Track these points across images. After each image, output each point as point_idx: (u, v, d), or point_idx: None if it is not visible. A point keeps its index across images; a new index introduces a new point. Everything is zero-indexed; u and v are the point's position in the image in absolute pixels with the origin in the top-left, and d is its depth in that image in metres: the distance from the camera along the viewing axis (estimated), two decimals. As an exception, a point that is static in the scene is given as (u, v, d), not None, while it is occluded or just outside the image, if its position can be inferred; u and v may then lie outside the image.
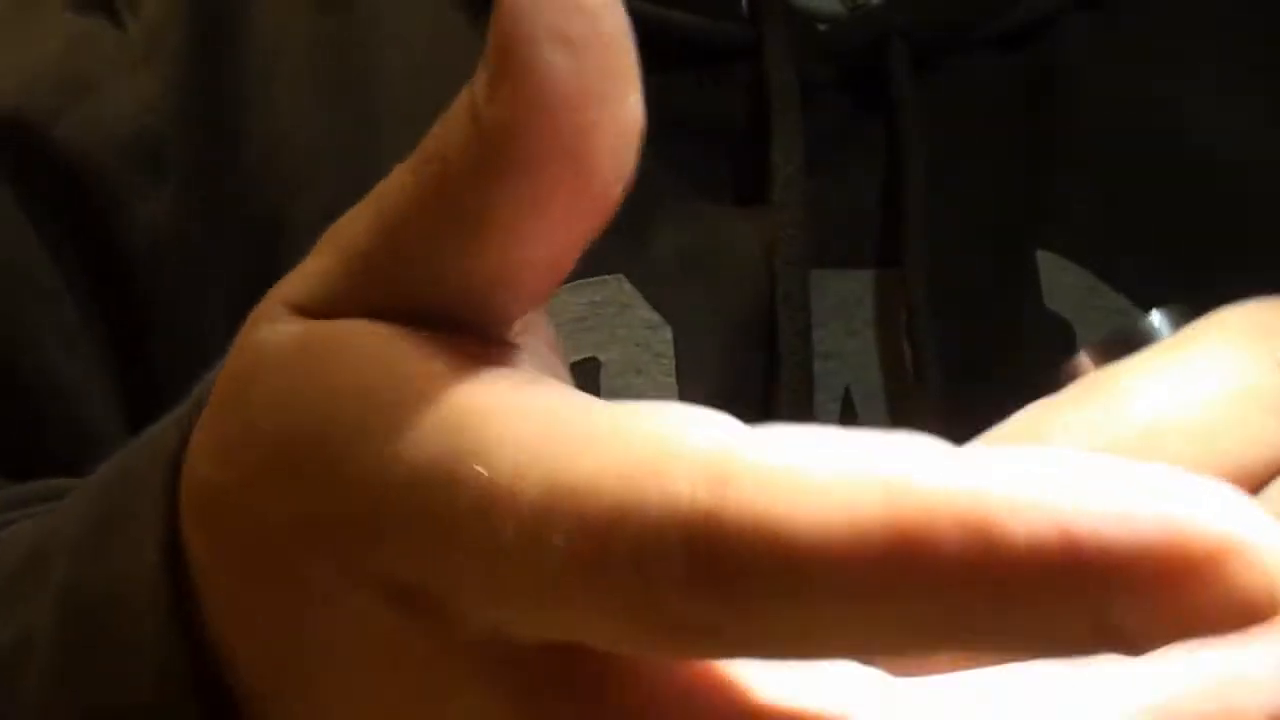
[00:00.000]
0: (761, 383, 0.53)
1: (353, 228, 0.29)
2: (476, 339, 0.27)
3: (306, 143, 0.56)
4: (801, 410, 0.53)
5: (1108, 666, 0.25)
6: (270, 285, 0.54)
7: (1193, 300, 0.56)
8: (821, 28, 0.56)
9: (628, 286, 0.54)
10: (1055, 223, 0.57)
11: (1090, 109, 0.58)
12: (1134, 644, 0.21)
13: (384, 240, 0.28)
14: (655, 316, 0.54)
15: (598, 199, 0.26)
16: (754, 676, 0.25)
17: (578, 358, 0.53)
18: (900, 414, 0.54)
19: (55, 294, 0.56)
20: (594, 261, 0.53)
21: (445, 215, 0.27)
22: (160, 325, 0.55)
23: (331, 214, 0.54)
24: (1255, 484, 0.32)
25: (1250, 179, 0.59)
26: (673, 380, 0.53)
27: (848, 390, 0.54)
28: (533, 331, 0.29)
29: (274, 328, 0.29)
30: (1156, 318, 0.28)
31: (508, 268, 0.26)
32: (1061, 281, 0.56)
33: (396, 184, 0.28)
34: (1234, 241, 0.58)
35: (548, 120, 0.25)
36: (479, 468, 0.24)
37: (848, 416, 0.54)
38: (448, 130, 0.27)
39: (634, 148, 0.25)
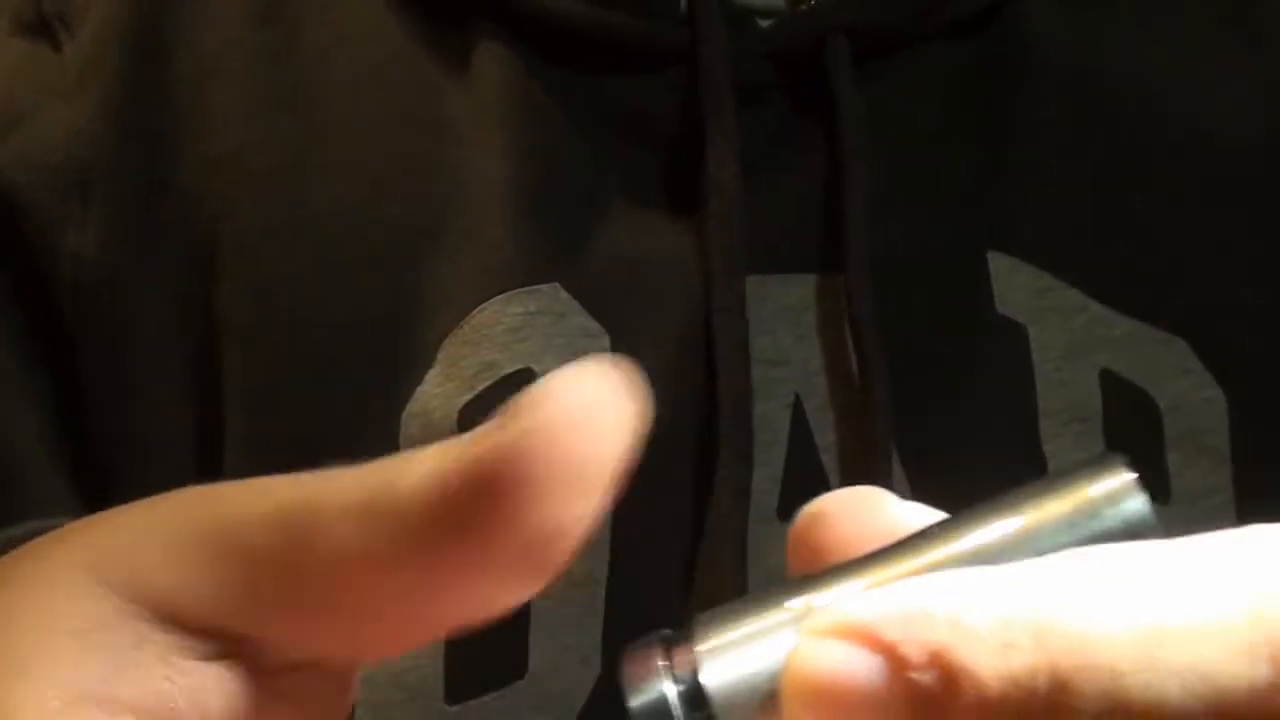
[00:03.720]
0: (702, 391, 0.52)
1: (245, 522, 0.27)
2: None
3: (244, 161, 0.55)
4: (741, 419, 0.51)
5: None
6: (204, 308, 0.54)
7: (1165, 295, 0.55)
8: (763, 24, 0.55)
9: (564, 295, 0.52)
10: (1009, 220, 0.55)
11: (1050, 89, 0.57)
12: None
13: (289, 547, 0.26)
14: (593, 324, 0.52)
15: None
16: None
17: (511, 369, 0.52)
18: (849, 423, 0.53)
19: None
20: (529, 270, 0.52)
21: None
22: (89, 355, 0.54)
23: (263, 231, 0.54)
24: None
25: (1223, 153, 0.57)
26: None
27: (798, 397, 0.53)
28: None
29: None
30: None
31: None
32: (1014, 283, 0.55)
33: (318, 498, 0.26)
34: (1205, 224, 0.57)
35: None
36: None
37: (798, 424, 0.53)
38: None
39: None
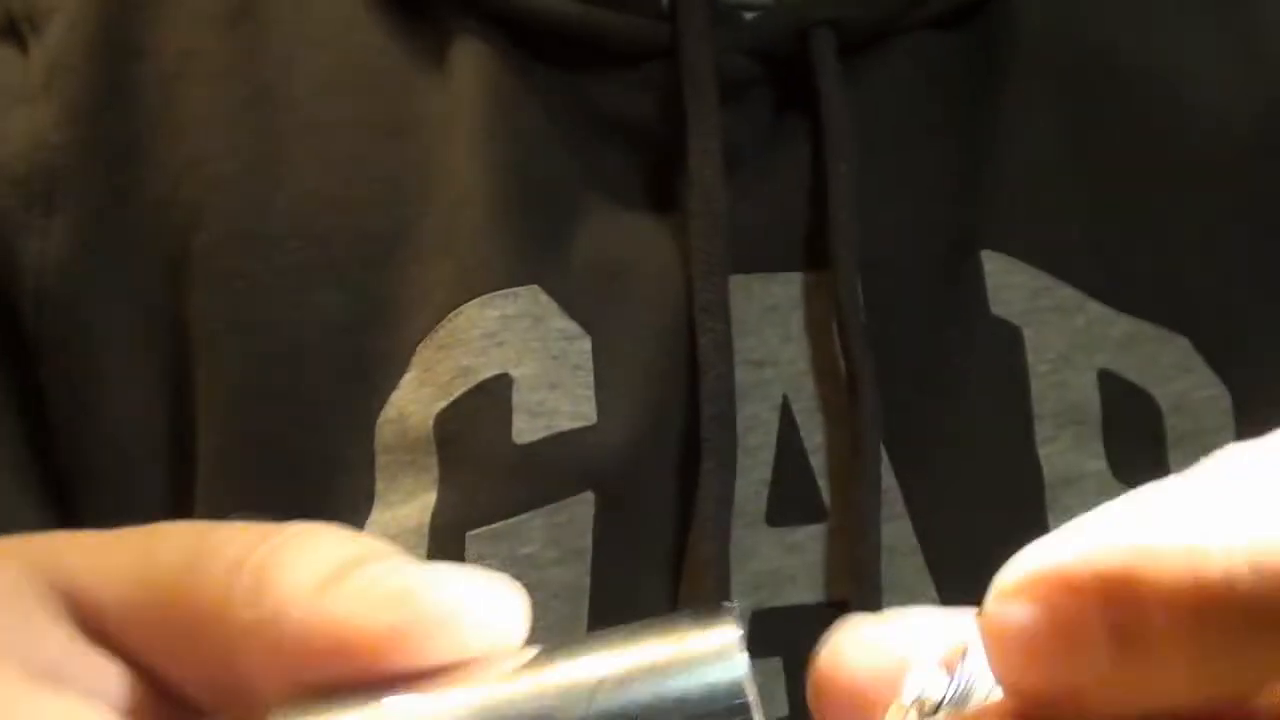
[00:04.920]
0: (685, 393, 0.51)
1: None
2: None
3: (213, 166, 0.54)
4: (725, 422, 0.50)
5: None
6: (175, 315, 0.53)
7: (1165, 291, 0.54)
8: (749, 16, 0.54)
9: (543, 297, 0.51)
10: (1002, 217, 0.54)
11: (1041, 81, 0.56)
12: None
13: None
14: (573, 327, 0.51)
15: None
16: None
17: (488, 374, 0.50)
18: (838, 425, 0.52)
19: None
20: (507, 272, 0.51)
21: None
22: (54, 364, 0.53)
23: (235, 236, 0.53)
24: None
25: (1222, 144, 0.56)
26: (591, 394, 0.51)
27: (786, 399, 0.52)
28: None
29: None
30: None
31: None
32: (1009, 283, 0.54)
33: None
34: (1206, 217, 0.56)
35: None
36: None
37: (786, 426, 0.52)
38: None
39: None
